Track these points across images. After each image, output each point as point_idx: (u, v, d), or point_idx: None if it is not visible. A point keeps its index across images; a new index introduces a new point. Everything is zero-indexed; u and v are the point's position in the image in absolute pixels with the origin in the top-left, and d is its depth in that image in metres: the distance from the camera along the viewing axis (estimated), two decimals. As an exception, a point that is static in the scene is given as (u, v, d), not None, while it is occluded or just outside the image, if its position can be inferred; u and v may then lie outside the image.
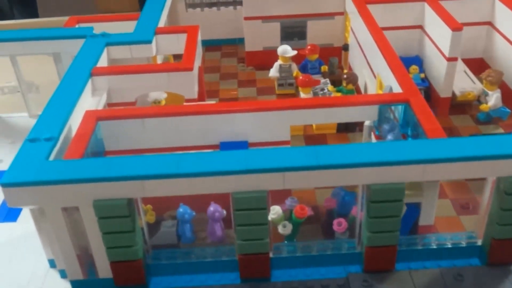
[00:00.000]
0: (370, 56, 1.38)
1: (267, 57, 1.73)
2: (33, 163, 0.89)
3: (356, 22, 1.53)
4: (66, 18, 2.25)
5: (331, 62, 1.59)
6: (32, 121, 1.55)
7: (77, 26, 1.50)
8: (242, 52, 1.87)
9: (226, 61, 1.84)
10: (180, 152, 1.09)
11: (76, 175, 0.86)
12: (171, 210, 1.06)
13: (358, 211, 0.96)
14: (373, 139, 1.11)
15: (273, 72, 1.61)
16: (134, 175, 0.85)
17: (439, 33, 1.43)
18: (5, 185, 0.86)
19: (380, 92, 1.27)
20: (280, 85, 1.61)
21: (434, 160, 0.86)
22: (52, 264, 1.02)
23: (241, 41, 1.89)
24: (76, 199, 0.88)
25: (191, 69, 1.21)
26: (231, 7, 1.88)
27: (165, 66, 1.31)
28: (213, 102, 1.37)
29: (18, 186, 0.86)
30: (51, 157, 0.93)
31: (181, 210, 1.00)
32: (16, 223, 1.16)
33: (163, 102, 1.37)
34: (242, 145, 1.07)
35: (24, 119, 1.55)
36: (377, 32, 1.33)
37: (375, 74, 1.33)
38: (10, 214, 1.19)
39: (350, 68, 1.64)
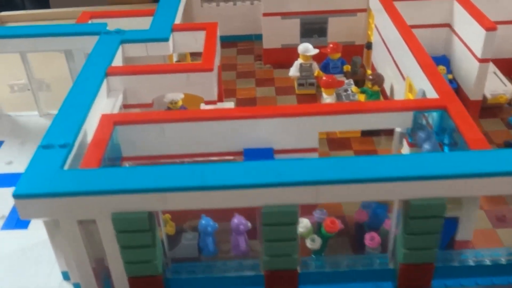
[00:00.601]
0: (398, 56, 1.31)
1: (285, 55, 1.66)
2: (47, 173, 0.84)
3: (381, 19, 1.46)
4: (77, 9, 2.22)
5: (354, 61, 1.52)
6: (42, 120, 1.50)
7: (90, 21, 1.43)
8: (259, 49, 1.81)
9: (242, 59, 1.78)
10: (201, 158, 1.03)
11: (94, 186, 0.80)
12: (191, 220, 1.01)
13: (392, 226, 0.90)
14: (406, 147, 1.05)
15: (293, 71, 1.54)
16: (156, 187, 0.79)
17: (470, 32, 1.36)
18: (18, 197, 0.80)
19: (410, 95, 1.21)
20: (300, 84, 1.55)
21: (480, 175, 0.79)
22: (66, 276, 0.97)
23: (257, 37, 1.83)
24: (93, 212, 0.82)
25: (211, 69, 1.14)
26: (248, 2, 1.81)
27: (184, 66, 1.25)
28: (231, 103, 1.31)
29: (32, 197, 0.80)
30: (66, 165, 0.88)
31: (203, 222, 0.94)
32: (27, 231, 1.11)
33: (180, 103, 1.31)
34: (267, 152, 1.01)
35: (34, 118, 1.49)
36: (406, 31, 1.27)
37: (404, 76, 1.26)
38: (21, 221, 1.13)
39: (373, 68, 1.58)
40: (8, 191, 1.22)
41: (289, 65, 1.62)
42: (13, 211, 1.16)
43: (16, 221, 1.13)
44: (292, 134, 1.01)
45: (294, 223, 0.83)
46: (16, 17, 2.21)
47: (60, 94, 1.50)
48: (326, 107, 1.01)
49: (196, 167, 0.82)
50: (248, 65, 1.74)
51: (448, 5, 1.48)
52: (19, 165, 1.30)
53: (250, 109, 1.06)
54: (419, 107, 0.99)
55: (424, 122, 1.05)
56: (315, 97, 1.53)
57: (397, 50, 1.32)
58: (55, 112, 1.49)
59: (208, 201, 0.80)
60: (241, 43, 1.86)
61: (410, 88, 1.21)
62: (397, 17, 1.35)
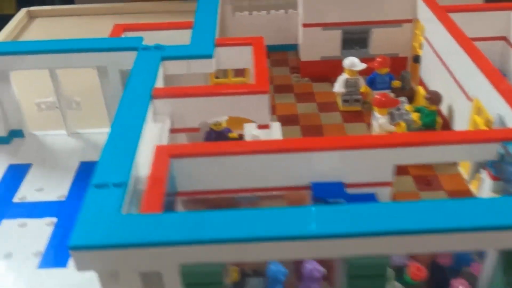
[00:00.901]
0: (460, 74, 1.22)
1: (325, 68, 1.58)
2: (105, 219, 0.74)
3: (434, 31, 1.36)
4: (104, 5, 2.18)
5: (403, 76, 1.43)
6: (71, 140, 1.40)
7: (123, 35, 1.34)
8: (293, 60, 1.72)
9: (277, 71, 1.68)
10: (263, 193, 0.94)
11: (160, 236, 0.71)
12: (253, 264, 0.91)
13: (485, 274, 0.81)
14: (487, 179, 0.96)
15: (338, 87, 1.45)
16: (233, 237, 0.70)
17: (534, 47, 1.27)
18: (75, 248, 0.71)
19: (478, 119, 1.11)
20: (345, 101, 1.45)
21: None
22: (118, 328, 0.87)
23: (291, 48, 1.73)
24: (159, 264, 0.72)
25: (267, 91, 1.05)
26: (282, 11, 1.71)
27: (236, 87, 1.14)
28: (276, 123, 1.21)
29: (91, 249, 0.70)
30: (124, 209, 0.78)
31: (273, 268, 0.85)
32: (67, 270, 1.01)
33: (224, 124, 1.21)
34: (337, 186, 0.92)
35: (62, 138, 1.39)
36: (470, 46, 1.17)
37: (469, 97, 1.16)
38: (59, 258, 1.03)
39: (421, 83, 1.48)
40: (43, 222, 1.14)
41: (328, 78, 1.54)
42: (50, 246, 1.06)
43: (54, 258, 1.03)
44: (364, 167, 0.92)
45: (384, 275, 0.74)
46: (45, 12, 2.22)
47: (89, 111, 1.41)
48: (402, 138, 0.91)
49: (280, 211, 0.72)
50: (284, 78, 1.64)
51: (504, 17, 1.39)
52: (51, 192, 1.20)
53: (318, 140, 0.97)
54: (507, 138, 0.90)
55: (503, 152, 0.96)
56: (361, 114, 1.44)
57: (459, 67, 1.22)
58: (83, 131, 1.41)
59: (294, 252, 0.71)
60: (274, 54, 1.75)
61: (479, 111, 1.11)
62: (456, 29, 1.26)
